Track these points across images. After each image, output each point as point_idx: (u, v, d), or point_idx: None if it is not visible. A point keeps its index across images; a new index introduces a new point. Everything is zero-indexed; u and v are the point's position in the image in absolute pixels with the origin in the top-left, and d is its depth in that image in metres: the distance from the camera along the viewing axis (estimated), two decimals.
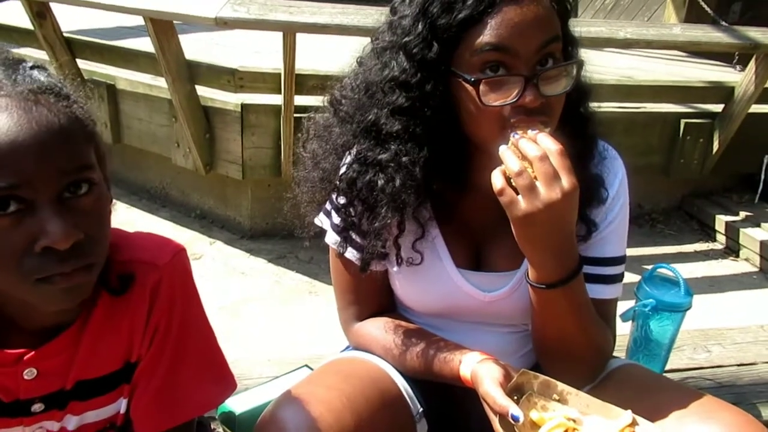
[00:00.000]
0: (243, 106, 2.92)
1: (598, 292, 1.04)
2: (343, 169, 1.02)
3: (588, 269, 1.02)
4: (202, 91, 2.99)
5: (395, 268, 1.06)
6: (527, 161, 0.85)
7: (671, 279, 1.45)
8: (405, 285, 1.10)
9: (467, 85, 0.88)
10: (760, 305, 2.92)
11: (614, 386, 1.05)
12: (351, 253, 1.06)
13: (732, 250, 3.45)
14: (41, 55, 3.34)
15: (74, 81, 0.78)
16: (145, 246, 0.87)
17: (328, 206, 1.08)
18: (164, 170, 3.52)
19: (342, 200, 1.03)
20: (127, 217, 3.36)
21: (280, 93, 2.80)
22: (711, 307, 2.77)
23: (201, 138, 3.03)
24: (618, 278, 1.08)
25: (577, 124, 0.99)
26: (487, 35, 0.85)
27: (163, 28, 2.68)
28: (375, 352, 1.13)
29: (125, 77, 3.31)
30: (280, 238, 3.19)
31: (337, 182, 1.02)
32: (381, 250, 1.02)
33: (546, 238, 0.88)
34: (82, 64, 3.36)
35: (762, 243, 3.28)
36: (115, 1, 2.81)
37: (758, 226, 3.44)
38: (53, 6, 3.10)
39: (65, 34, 3.24)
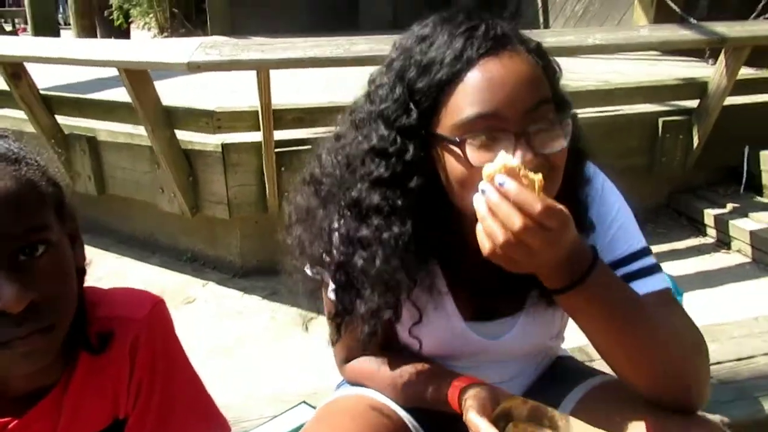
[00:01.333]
0: (224, 146, 2.94)
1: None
2: (333, 253, 0.95)
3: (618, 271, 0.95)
4: (181, 135, 3.00)
5: (401, 321, 1.01)
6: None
7: None
8: (410, 339, 1.06)
9: (453, 147, 0.82)
10: (755, 296, 2.92)
11: (605, 403, 1.02)
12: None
13: (723, 242, 3.46)
14: (19, 114, 3.36)
15: (38, 143, 0.79)
16: (122, 301, 0.87)
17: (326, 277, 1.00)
18: (151, 217, 3.52)
19: (333, 285, 0.97)
20: (117, 267, 3.35)
21: (259, 130, 2.82)
22: (708, 303, 2.77)
23: (184, 181, 3.04)
24: (651, 270, 0.98)
25: (575, 172, 0.93)
26: (470, 102, 0.81)
27: (137, 77, 2.71)
28: (370, 386, 1.11)
29: (105, 128, 3.33)
30: (272, 273, 3.18)
31: (329, 267, 0.96)
32: (377, 330, 0.96)
33: (546, 266, 0.81)
34: (61, 119, 3.37)
35: (752, 233, 3.29)
36: (88, 56, 2.84)
37: (746, 216, 3.45)
38: (28, 65, 3.13)
39: (42, 92, 3.26)
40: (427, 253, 0.92)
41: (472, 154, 0.81)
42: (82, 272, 0.82)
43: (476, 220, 0.79)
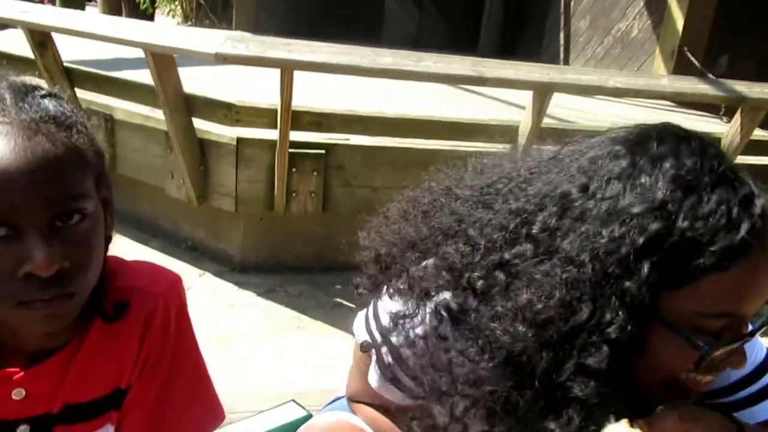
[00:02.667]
0: (239, 139, 2.95)
1: None
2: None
3: (749, 391, 0.84)
4: (198, 123, 3.02)
5: None
6: None
7: None
8: None
9: (679, 339, 0.67)
10: None
11: None
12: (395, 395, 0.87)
13: None
14: (41, 83, 3.37)
15: (84, 111, 0.80)
16: (142, 274, 0.88)
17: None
18: (157, 201, 3.53)
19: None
20: (116, 247, 3.33)
21: (276, 128, 2.84)
22: None
23: (195, 170, 3.05)
24: None
25: None
26: (723, 298, 0.66)
27: (163, 61, 2.73)
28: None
29: (123, 108, 3.34)
30: (269, 271, 3.19)
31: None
32: None
33: None
34: (80, 93, 3.39)
35: None
36: (117, 34, 2.86)
37: None
38: (55, 36, 3.15)
39: (65, 64, 3.28)
40: None
41: (701, 368, 0.67)
42: (107, 240, 0.83)
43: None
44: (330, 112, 3.10)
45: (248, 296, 3.03)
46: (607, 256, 0.65)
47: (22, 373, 0.79)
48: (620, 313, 0.65)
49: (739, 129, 3.32)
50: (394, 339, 0.81)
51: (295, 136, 2.90)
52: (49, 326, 0.74)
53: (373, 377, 0.89)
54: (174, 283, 0.89)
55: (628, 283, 0.65)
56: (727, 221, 0.64)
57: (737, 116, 3.33)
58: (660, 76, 4.67)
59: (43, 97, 0.74)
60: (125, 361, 0.86)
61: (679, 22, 5.31)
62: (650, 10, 5.77)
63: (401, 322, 0.79)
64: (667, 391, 0.70)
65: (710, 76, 4.41)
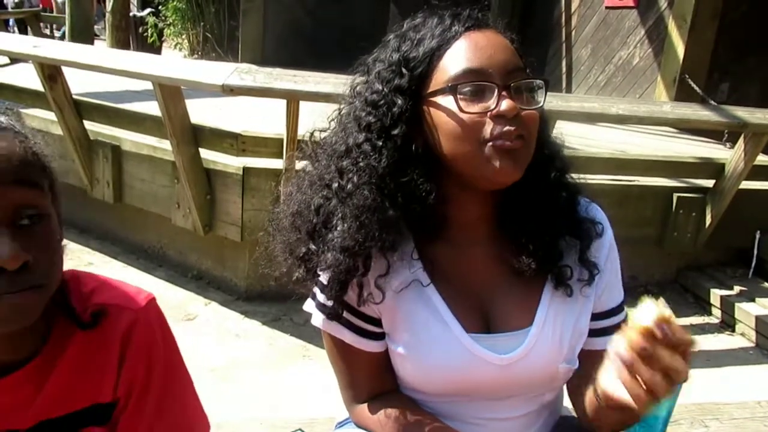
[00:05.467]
0: (245, 169, 2.99)
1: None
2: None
3: (606, 322, 1.05)
4: (205, 153, 3.05)
5: (399, 348, 0.99)
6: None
7: None
8: (411, 361, 0.99)
9: (443, 99, 0.91)
10: (756, 381, 2.90)
11: None
12: (338, 330, 1.01)
13: (727, 324, 3.44)
14: (49, 115, 3.43)
15: (33, 128, 0.83)
16: (118, 291, 0.90)
17: (315, 289, 1.02)
18: (163, 230, 3.55)
19: (313, 243, 0.98)
20: (122, 275, 3.35)
21: (281, 157, 2.86)
22: (708, 382, 2.75)
23: (202, 199, 3.08)
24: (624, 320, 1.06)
25: (557, 172, 1.01)
26: (458, 61, 0.91)
27: (170, 93, 2.77)
28: None
29: (131, 139, 3.39)
30: (275, 300, 3.19)
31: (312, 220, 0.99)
32: (349, 269, 0.95)
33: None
34: (88, 125, 3.44)
35: (757, 318, 3.28)
36: (127, 67, 2.91)
37: (753, 300, 3.45)
38: (64, 70, 3.20)
39: (74, 97, 3.33)
40: (406, 207, 0.95)
41: (463, 102, 0.90)
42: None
43: (464, 192, 0.95)
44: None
45: (254, 325, 3.02)
46: (372, 68, 0.99)
47: None
48: (377, 86, 0.96)
49: (742, 155, 3.33)
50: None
51: (301, 165, 2.92)
52: (17, 320, 0.75)
53: (317, 319, 1.02)
54: (151, 299, 0.91)
55: (380, 68, 0.97)
56: (440, 22, 0.94)
57: (740, 142, 3.34)
58: (662, 102, 4.69)
59: None
60: (105, 374, 0.86)
61: (680, 49, 5.36)
62: (651, 39, 5.83)
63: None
64: (482, 145, 0.89)
65: (712, 102, 4.44)
